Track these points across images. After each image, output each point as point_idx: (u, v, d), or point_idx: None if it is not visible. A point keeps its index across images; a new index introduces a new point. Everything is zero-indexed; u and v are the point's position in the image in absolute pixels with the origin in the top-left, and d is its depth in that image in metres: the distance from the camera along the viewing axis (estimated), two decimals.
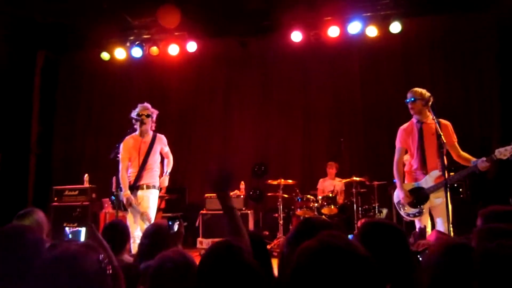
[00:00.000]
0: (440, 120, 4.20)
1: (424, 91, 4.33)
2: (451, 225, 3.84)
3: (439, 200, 4.09)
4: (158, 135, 5.12)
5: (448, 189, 3.81)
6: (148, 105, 5.09)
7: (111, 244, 2.34)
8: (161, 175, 5.16)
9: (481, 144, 6.83)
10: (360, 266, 1.14)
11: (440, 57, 7.87)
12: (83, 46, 8.78)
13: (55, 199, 7.24)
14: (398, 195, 4.40)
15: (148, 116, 4.98)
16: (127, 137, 5.02)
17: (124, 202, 4.81)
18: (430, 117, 4.31)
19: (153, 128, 5.14)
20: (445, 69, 7.80)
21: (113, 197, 5.00)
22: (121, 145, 4.96)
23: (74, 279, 1.33)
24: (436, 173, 4.17)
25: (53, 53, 9.11)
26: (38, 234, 1.93)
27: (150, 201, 4.90)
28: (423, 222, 4.22)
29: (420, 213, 4.20)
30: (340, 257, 1.14)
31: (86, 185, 7.27)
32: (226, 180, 2.19)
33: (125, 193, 4.82)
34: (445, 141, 3.85)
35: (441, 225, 4.07)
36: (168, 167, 5.23)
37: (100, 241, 2.32)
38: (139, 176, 4.90)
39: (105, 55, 8.41)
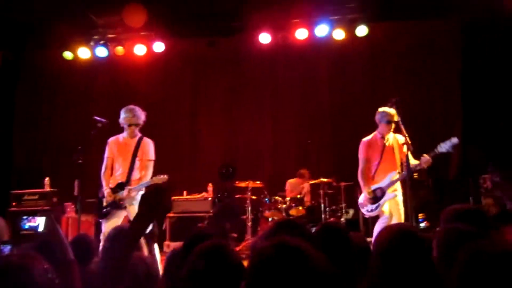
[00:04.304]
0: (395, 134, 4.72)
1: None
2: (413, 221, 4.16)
3: (392, 195, 4.57)
4: (145, 138, 5.01)
5: (407, 185, 4.18)
6: (139, 114, 4.88)
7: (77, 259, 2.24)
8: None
9: None
10: (314, 268, 1.15)
11: (405, 61, 8.03)
12: (45, 45, 8.43)
13: (13, 204, 6.92)
14: (363, 197, 4.84)
15: (137, 125, 4.90)
16: (113, 137, 4.91)
17: (110, 200, 4.69)
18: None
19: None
20: (410, 73, 7.96)
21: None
22: (107, 145, 4.86)
23: None
24: (393, 174, 4.65)
25: (12, 53, 8.72)
26: None
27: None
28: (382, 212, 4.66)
29: (377, 207, 4.65)
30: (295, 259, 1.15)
31: (47, 189, 7.00)
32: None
33: (108, 191, 4.72)
34: (412, 149, 4.18)
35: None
36: (141, 181, 4.84)
37: (58, 232, 2.22)
38: (129, 177, 4.83)
39: (68, 55, 8.13)
